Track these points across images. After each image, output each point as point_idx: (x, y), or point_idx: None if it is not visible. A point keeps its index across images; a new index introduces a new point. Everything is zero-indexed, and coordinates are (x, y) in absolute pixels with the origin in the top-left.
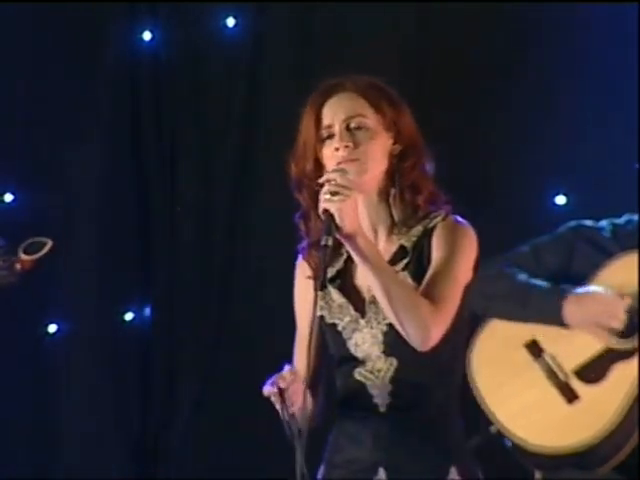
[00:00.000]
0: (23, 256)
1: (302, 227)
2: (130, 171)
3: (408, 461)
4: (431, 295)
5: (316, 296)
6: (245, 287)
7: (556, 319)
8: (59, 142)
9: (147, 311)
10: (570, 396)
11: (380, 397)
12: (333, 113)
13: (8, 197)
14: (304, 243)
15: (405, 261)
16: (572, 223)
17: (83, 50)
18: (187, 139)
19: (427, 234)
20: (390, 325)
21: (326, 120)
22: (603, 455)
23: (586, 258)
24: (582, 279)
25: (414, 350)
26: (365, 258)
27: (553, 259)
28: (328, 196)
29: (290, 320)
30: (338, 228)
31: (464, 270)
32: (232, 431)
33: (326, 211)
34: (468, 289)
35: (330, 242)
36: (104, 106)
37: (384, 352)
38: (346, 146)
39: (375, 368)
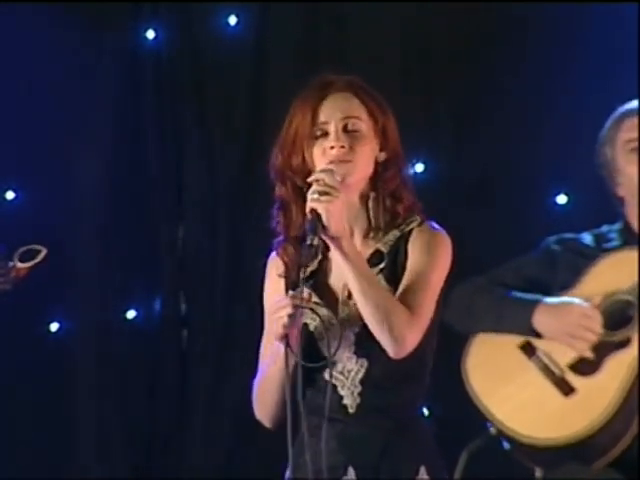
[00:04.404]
0: (18, 264)
1: (280, 220)
2: (133, 169)
3: (378, 461)
4: (408, 303)
5: (309, 295)
6: (254, 283)
7: (527, 329)
8: (62, 140)
9: (152, 310)
10: (566, 389)
11: (350, 398)
12: (331, 111)
13: (10, 195)
14: (280, 238)
15: (381, 265)
16: (552, 237)
17: (86, 49)
18: (190, 138)
19: (403, 239)
20: (362, 326)
21: (322, 117)
22: (602, 446)
23: (571, 267)
24: (567, 287)
25: (385, 352)
26: (348, 261)
27: (537, 273)
28: (316, 196)
29: None
30: (324, 228)
31: (440, 278)
32: (244, 430)
33: (313, 210)
34: (440, 295)
35: (316, 242)
36: (107, 105)
37: (355, 353)
38: (341, 146)
39: (345, 369)
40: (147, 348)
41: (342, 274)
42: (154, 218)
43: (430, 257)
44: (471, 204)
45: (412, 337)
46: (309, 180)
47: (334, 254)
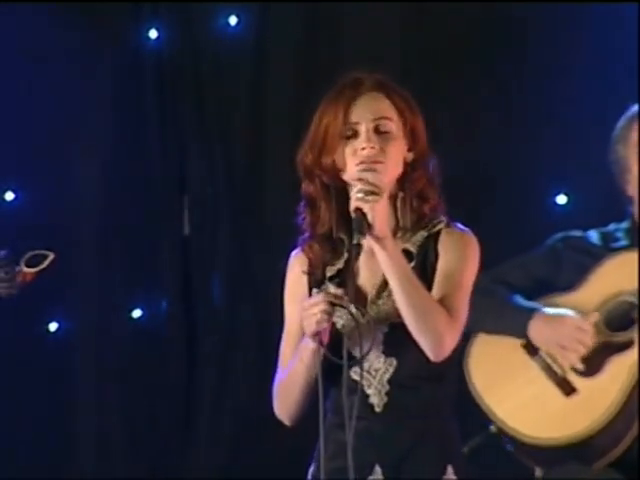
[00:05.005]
0: (25, 269)
1: (307, 217)
2: (134, 169)
3: (405, 460)
4: (446, 306)
5: (349, 294)
6: (258, 283)
7: (522, 336)
8: (62, 140)
9: (157, 310)
10: (568, 390)
11: (377, 397)
12: (362, 112)
13: (9, 195)
14: (306, 235)
15: (410, 265)
16: (559, 234)
17: (86, 49)
18: (191, 138)
19: (431, 240)
20: (391, 325)
21: (354, 118)
22: (602, 447)
23: (576, 265)
24: (572, 286)
25: (414, 351)
26: (392, 261)
27: (541, 271)
28: (361, 195)
29: None
30: (370, 228)
31: (471, 279)
32: (248, 430)
33: (358, 210)
34: None
35: (362, 241)
36: (108, 105)
37: (384, 352)
38: (372, 147)
39: (372, 368)
40: (152, 348)
41: (372, 273)
42: (157, 218)
43: (461, 259)
44: (471, 204)
45: (451, 339)
46: (352, 179)
47: (367, 254)
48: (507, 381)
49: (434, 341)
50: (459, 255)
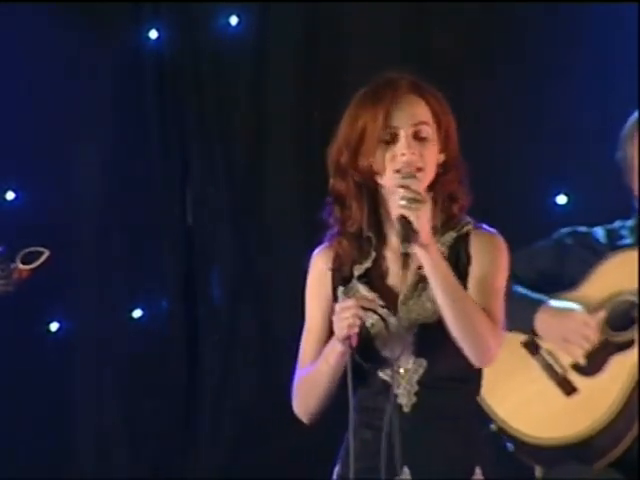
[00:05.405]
0: (20, 265)
1: (336, 214)
2: (135, 169)
3: (433, 461)
4: (487, 313)
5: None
6: (261, 285)
7: (528, 329)
8: (62, 140)
9: (158, 309)
10: (569, 389)
11: (405, 397)
12: (401, 116)
13: (10, 195)
14: (333, 230)
15: None
16: (566, 229)
17: (86, 49)
18: (191, 137)
19: (461, 241)
20: (422, 326)
21: (394, 122)
22: (602, 447)
23: (581, 262)
24: (576, 282)
25: (444, 353)
26: (437, 268)
27: (546, 263)
28: (405, 202)
29: None
30: (415, 235)
31: (504, 282)
32: (250, 430)
33: (403, 217)
34: None
35: (409, 250)
36: (109, 105)
37: (414, 353)
38: (413, 153)
39: (402, 368)
40: (153, 347)
41: (405, 274)
42: (157, 218)
43: (493, 263)
44: (471, 204)
45: (495, 344)
46: (394, 185)
47: (397, 254)
48: (508, 380)
49: (480, 346)
50: (491, 259)
